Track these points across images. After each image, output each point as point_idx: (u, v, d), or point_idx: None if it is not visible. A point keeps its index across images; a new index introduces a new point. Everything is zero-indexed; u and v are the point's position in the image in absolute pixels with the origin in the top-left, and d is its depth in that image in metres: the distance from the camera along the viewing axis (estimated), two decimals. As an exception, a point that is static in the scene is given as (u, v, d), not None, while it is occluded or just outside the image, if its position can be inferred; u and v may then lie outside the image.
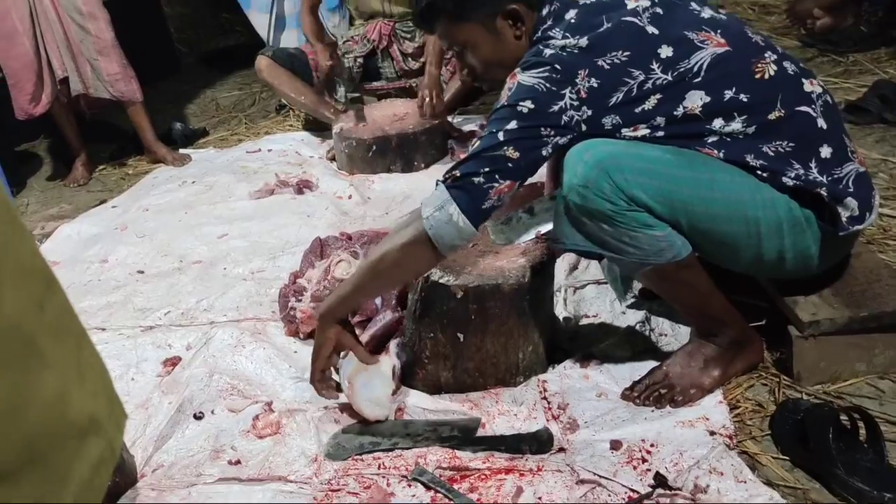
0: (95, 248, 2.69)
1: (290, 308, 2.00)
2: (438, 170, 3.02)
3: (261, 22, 3.94)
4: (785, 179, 1.48)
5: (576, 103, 1.48)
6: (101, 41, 3.33)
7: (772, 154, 1.48)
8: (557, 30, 1.52)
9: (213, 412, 1.78)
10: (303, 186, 2.90)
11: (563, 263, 2.14)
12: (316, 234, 2.51)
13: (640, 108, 1.49)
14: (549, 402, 1.67)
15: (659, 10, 1.52)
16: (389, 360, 1.71)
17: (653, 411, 1.62)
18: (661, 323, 1.89)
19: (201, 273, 2.42)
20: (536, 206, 1.90)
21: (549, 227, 1.79)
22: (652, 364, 1.73)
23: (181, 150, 3.65)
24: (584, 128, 1.49)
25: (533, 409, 1.66)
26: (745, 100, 1.48)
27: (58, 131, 3.86)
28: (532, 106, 1.47)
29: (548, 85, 1.47)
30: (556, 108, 1.48)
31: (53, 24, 3.26)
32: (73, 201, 3.28)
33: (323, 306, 1.66)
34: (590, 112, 1.48)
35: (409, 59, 3.44)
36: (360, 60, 3.45)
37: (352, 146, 3.03)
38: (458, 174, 1.49)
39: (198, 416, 1.78)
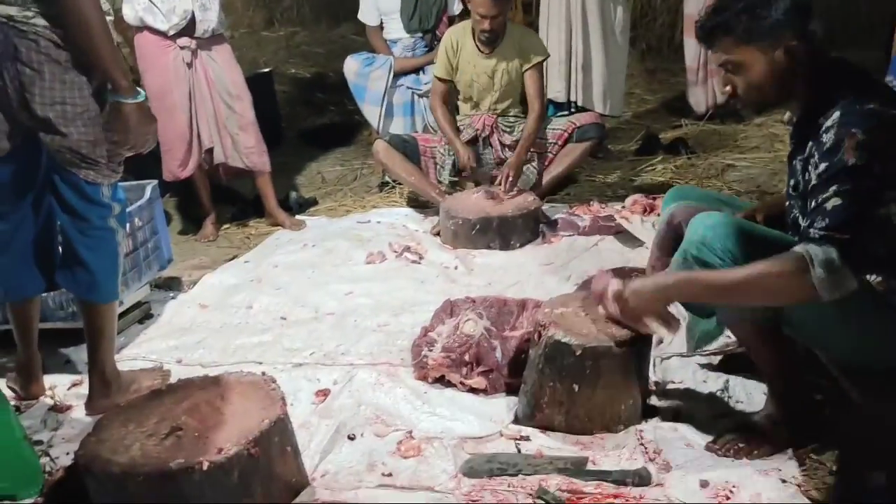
0: (239, 296, 3.14)
1: (422, 356, 2.40)
2: (531, 249, 3.44)
3: (372, 113, 4.45)
4: None
5: None
6: (243, 119, 3.87)
7: None
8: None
9: (362, 435, 2.17)
10: (416, 255, 3.35)
11: (653, 338, 2.50)
12: (429, 298, 2.94)
13: None
14: (645, 447, 2.03)
15: None
16: None
17: (733, 461, 1.96)
18: (737, 392, 2.24)
19: (336, 323, 2.85)
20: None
21: None
22: (730, 424, 2.08)
23: (297, 217, 4.13)
24: None
25: (633, 452, 2.02)
26: None
27: (184, 192, 4.40)
28: None
29: None
30: None
31: (206, 101, 3.80)
32: (208, 254, 3.76)
33: (663, 285, 1.91)
34: None
35: (507, 149, 3.91)
36: (463, 147, 3.93)
37: (458, 224, 3.48)
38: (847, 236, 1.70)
39: (351, 437, 2.17)
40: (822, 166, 1.77)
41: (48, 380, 2.53)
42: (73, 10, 2.03)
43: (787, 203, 2.03)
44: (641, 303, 1.95)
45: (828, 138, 1.76)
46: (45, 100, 2.09)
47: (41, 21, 2.06)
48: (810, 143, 1.84)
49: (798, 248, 1.76)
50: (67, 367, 2.70)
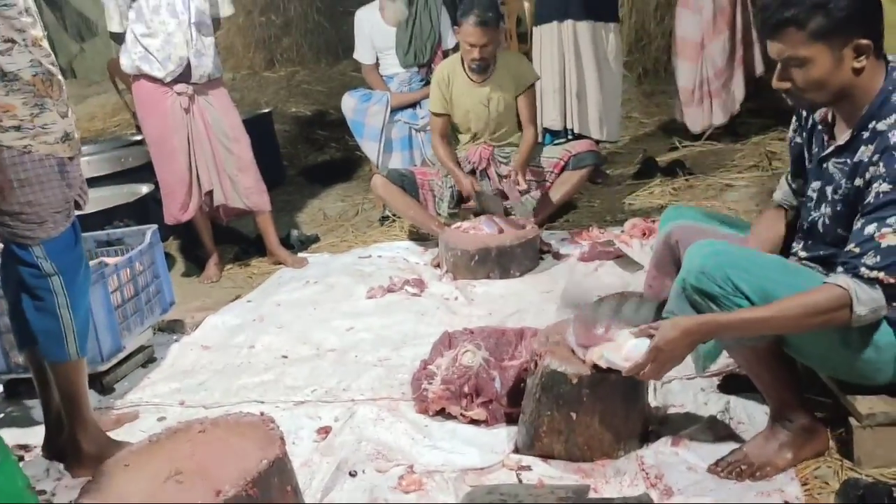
0: (241, 336, 3.16)
1: (422, 389, 2.40)
2: (531, 278, 3.46)
3: (371, 148, 4.50)
4: None
5: None
6: (241, 160, 3.92)
7: None
8: None
9: (363, 471, 2.17)
10: (420, 288, 3.37)
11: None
12: (430, 330, 2.95)
13: None
14: (646, 473, 2.02)
15: None
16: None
17: (735, 483, 1.95)
18: (738, 413, 2.23)
19: (337, 359, 2.86)
20: (626, 305, 2.30)
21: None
22: (732, 446, 2.07)
23: (299, 254, 4.16)
24: None
25: (634, 478, 2.01)
26: None
27: (186, 234, 4.44)
28: None
29: None
30: None
31: (204, 144, 3.85)
32: (212, 295, 3.78)
33: (702, 323, 1.84)
34: None
35: (504, 180, 3.93)
36: (461, 180, 3.95)
37: (457, 255, 3.50)
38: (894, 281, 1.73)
39: (352, 474, 2.16)
40: (886, 186, 1.75)
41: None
42: None
43: (809, 205, 2.02)
44: (676, 356, 1.90)
45: None
46: None
47: None
48: (863, 148, 1.83)
49: (841, 283, 1.76)
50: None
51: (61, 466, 2.36)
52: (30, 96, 2.11)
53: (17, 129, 2.10)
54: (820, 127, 2.03)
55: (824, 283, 1.81)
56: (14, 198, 2.11)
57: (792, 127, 2.16)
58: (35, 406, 2.68)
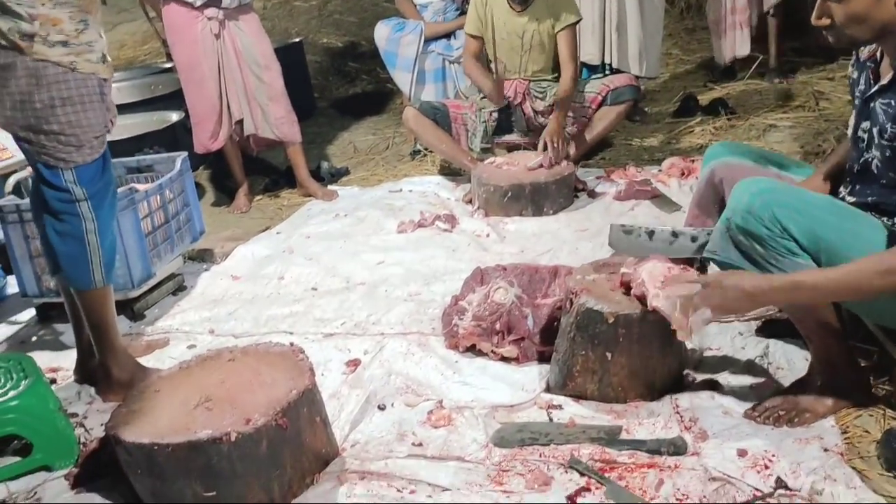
0: (271, 267, 3.14)
1: (453, 325, 2.37)
2: (565, 216, 3.39)
3: (404, 79, 4.40)
4: None
5: None
6: (272, 89, 3.84)
7: None
8: None
9: (392, 405, 2.15)
10: (451, 223, 3.31)
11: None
12: (460, 266, 2.91)
13: None
14: (681, 416, 1.98)
15: None
16: None
17: (772, 429, 1.90)
18: (777, 358, 2.17)
19: (366, 292, 2.83)
20: (657, 233, 2.24)
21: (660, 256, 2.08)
22: (770, 391, 2.02)
23: (329, 187, 4.11)
24: None
25: (668, 420, 1.97)
26: None
27: (216, 163, 4.41)
28: None
29: None
30: None
31: (235, 73, 3.78)
32: (241, 226, 3.76)
33: (764, 286, 1.72)
34: None
35: (539, 115, 3.83)
36: (494, 114, 3.85)
37: (489, 191, 3.43)
38: None
39: (381, 407, 2.15)
40: None
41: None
42: None
43: (857, 147, 1.93)
44: (735, 301, 1.78)
45: None
46: None
47: None
48: None
49: None
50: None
51: (92, 390, 2.38)
52: (75, 11, 2.08)
53: (65, 44, 2.07)
54: (868, 63, 1.92)
55: None
56: (55, 117, 2.08)
57: (851, 61, 2.05)
58: (66, 331, 2.70)
